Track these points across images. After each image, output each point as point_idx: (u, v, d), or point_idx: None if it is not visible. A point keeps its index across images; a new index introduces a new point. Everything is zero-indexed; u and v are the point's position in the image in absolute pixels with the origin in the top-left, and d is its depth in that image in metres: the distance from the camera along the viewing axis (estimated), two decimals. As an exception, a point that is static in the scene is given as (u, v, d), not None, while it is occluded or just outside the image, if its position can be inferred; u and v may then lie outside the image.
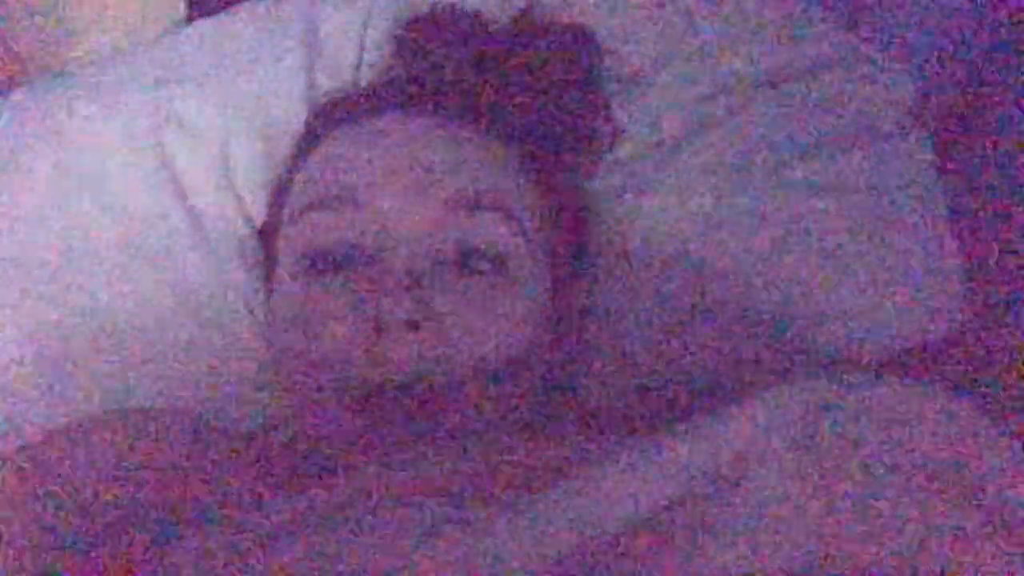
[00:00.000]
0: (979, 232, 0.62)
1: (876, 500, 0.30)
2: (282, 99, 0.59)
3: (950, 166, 0.62)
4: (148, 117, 0.58)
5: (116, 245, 0.57)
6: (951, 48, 0.67)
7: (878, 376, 0.35)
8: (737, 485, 0.31)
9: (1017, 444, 0.33)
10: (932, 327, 0.56)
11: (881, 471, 0.31)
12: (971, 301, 0.58)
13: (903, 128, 0.59)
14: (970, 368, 0.57)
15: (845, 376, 0.35)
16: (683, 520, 0.30)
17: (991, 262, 0.62)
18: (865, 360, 0.55)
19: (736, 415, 0.33)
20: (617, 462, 0.32)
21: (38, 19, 0.62)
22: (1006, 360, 0.56)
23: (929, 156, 0.60)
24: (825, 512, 0.30)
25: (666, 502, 0.31)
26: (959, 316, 0.57)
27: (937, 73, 0.66)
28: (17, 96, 0.61)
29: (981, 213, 0.63)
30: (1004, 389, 0.53)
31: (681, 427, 0.34)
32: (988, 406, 0.51)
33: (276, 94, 0.59)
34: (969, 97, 0.66)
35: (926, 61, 0.67)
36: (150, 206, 0.57)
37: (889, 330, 0.55)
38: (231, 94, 0.59)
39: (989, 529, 0.30)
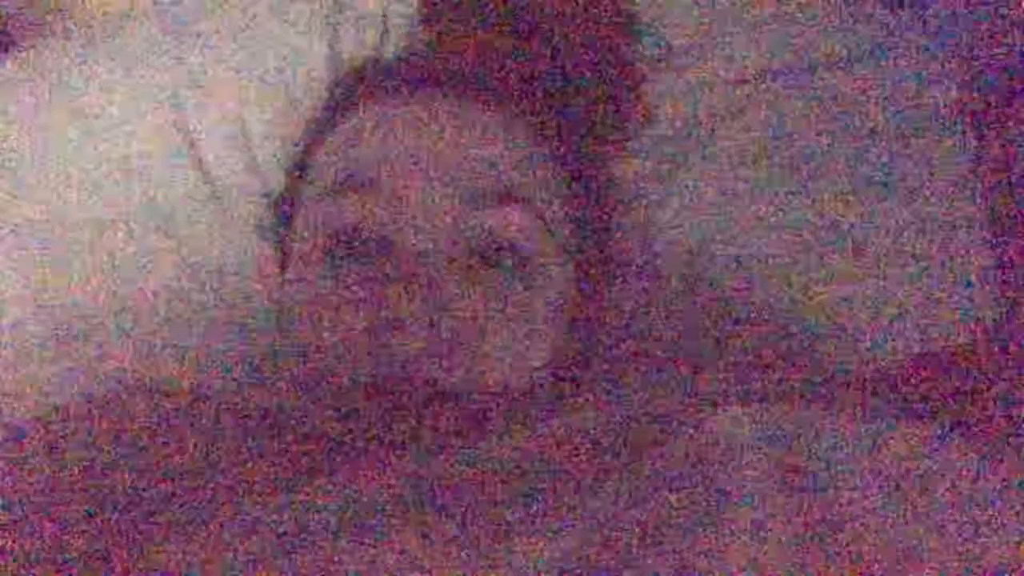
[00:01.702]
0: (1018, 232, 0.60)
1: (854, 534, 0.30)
2: (304, 66, 0.57)
3: (989, 163, 0.60)
4: (165, 76, 0.57)
5: (130, 209, 0.56)
6: (994, 43, 0.64)
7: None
8: (713, 509, 0.31)
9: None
10: (959, 329, 0.55)
11: (863, 511, 0.31)
12: (1004, 303, 0.57)
13: (942, 123, 0.58)
14: (994, 372, 0.56)
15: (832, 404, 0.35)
16: (664, 541, 0.30)
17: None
18: (884, 363, 0.54)
19: (714, 436, 0.33)
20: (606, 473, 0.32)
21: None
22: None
23: (967, 153, 0.58)
24: (803, 541, 0.30)
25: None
26: (988, 318, 0.56)
27: (980, 68, 0.64)
28: (33, 53, 0.59)
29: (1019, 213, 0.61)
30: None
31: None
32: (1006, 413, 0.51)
33: (297, 59, 0.58)
34: (1011, 93, 0.64)
35: (970, 55, 0.64)
36: (164, 167, 0.56)
37: (912, 332, 0.54)
38: (251, 56, 0.58)
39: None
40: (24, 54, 0.59)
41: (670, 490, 0.32)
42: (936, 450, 0.34)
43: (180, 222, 0.56)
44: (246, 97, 0.57)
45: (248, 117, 0.57)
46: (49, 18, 0.61)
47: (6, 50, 0.60)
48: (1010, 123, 0.62)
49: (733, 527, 0.30)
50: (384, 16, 0.58)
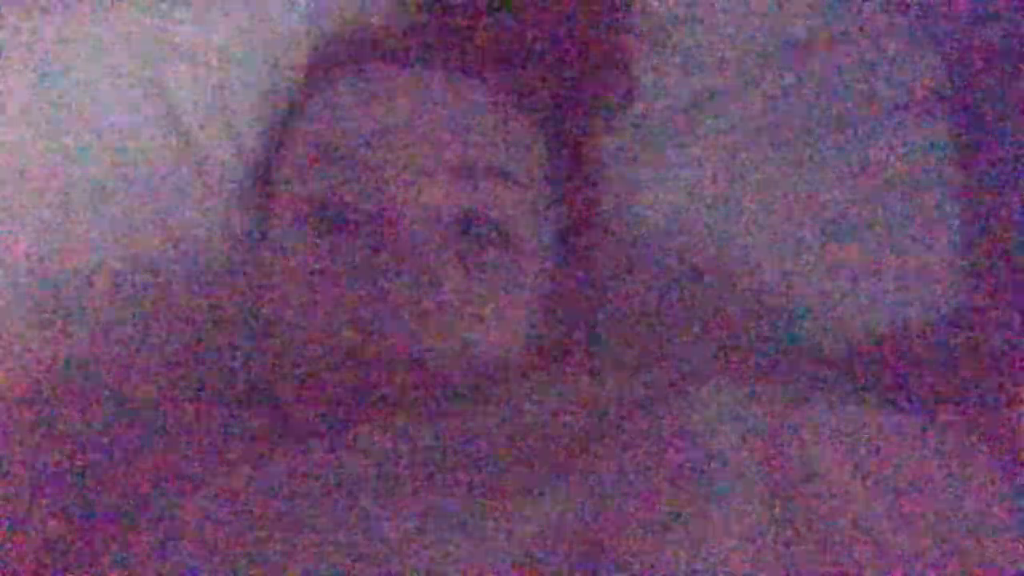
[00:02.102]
0: (999, 214, 0.61)
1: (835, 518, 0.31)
2: (285, 33, 0.56)
3: (965, 148, 0.61)
4: (145, 42, 0.56)
5: (108, 176, 0.54)
6: (974, 28, 0.64)
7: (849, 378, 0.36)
8: (692, 488, 0.31)
9: (987, 463, 0.34)
10: (931, 310, 0.56)
11: (840, 493, 0.31)
12: (977, 284, 0.58)
13: (919, 107, 0.58)
14: (966, 351, 0.57)
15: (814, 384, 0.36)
16: (644, 521, 0.31)
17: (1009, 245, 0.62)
18: (858, 341, 0.55)
19: (694, 416, 0.34)
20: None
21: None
22: (1003, 344, 0.56)
23: (942, 138, 0.58)
24: (783, 526, 0.30)
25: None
26: (959, 299, 0.57)
27: (959, 53, 0.64)
28: (12, 21, 0.57)
29: (1002, 197, 0.62)
30: (998, 374, 0.53)
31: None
32: (979, 392, 0.52)
33: (279, 27, 0.56)
34: (995, 76, 0.64)
35: (954, 37, 0.65)
36: (144, 134, 0.55)
37: (885, 311, 0.55)
38: (233, 24, 0.56)
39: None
40: (5, 28, 0.57)
41: (650, 478, 0.32)
42: (916, 438, 0.35)
43: (158, 189, 0.55)
44: (227, 64, 0.56)
45: (229, 84, 0.56)
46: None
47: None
48: (986, 108, 0.62)
49: (715, 519, 0.30)
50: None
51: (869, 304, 0.55)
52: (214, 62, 0.56)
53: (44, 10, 0.56)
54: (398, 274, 0.39)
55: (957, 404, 0.44)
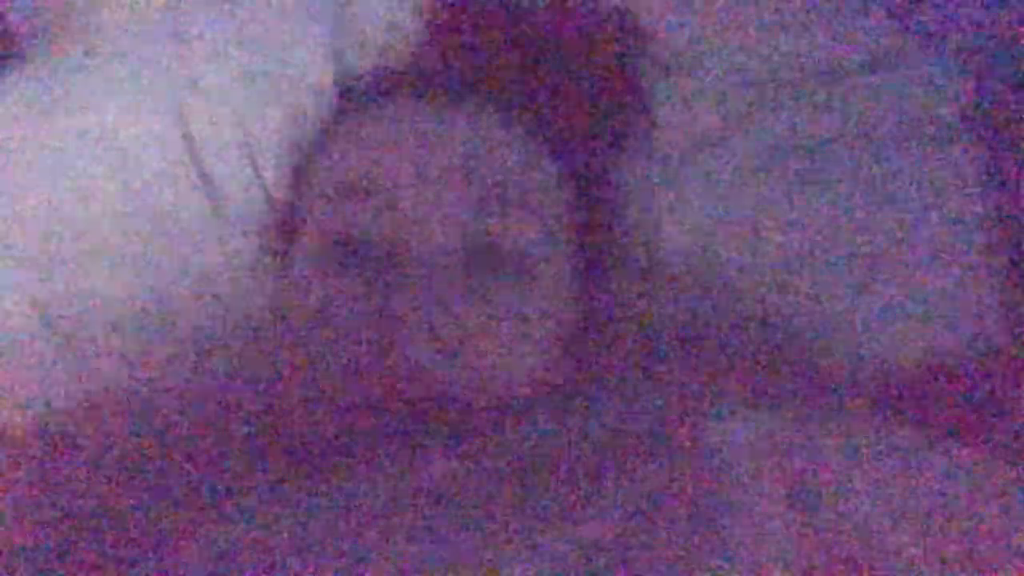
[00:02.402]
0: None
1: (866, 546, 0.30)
2: (308, 72, 0.57)
3: (997, 175, 0.60)
4: (166, 80, 0.57)
5: (129, 211, 0.56)
6: (1008, 49, 0.64)
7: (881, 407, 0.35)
8: (716, 518, 0.30)
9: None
10: (965, 343, 0.54)
11: (870, 520, 0.31)
12: (1010, 314, 0.56)
13: (950, 134, 0.57)
14: (1000, 382, 0.55)
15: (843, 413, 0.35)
16: (666, 552, 0.30)
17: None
18: (890, 371, 0.53)
19: (717, 445, 0.33)
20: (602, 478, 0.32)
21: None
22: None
23: (974, 165, 0.58)
24: (814, 555, 0.29)
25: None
26: (994, 332, 0.55)
27: (992, 75, 0.63)
28: (39, 60, 0.59)
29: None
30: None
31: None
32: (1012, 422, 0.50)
33: (300, 65, 0.58)
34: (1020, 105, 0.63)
35: (982, 62, 0.64)
36: (164, 172, 0.56)
37: (917, 344, 0.54)
38: (253, 61, 0.58)
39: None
40: (30, 61, 0.59)
41: (672, 499, 0.31)
42: (942, 461, 0.34)
43: (181, 228, 0.56)
44: (248, 105, 0.57)
45: (251, 125, 0.57)
46: (55, 27, 0.61)
47: (13, 57, 0.61)
48: (1019, 135, 0.61)
49: (737, 539, 0.29)
50: (389, 29, 0.59)
51: (897, 334, 0.54)
52: (235, 101, 0.57)
53: (87, 58, 0.58)
54: (414, 306, 0.39)
55: (985, 433, 0.43)
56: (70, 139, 0.56)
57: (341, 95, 0.54)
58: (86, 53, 0.59)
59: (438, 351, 0.39)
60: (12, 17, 0.62)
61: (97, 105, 0.57)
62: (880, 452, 0.34)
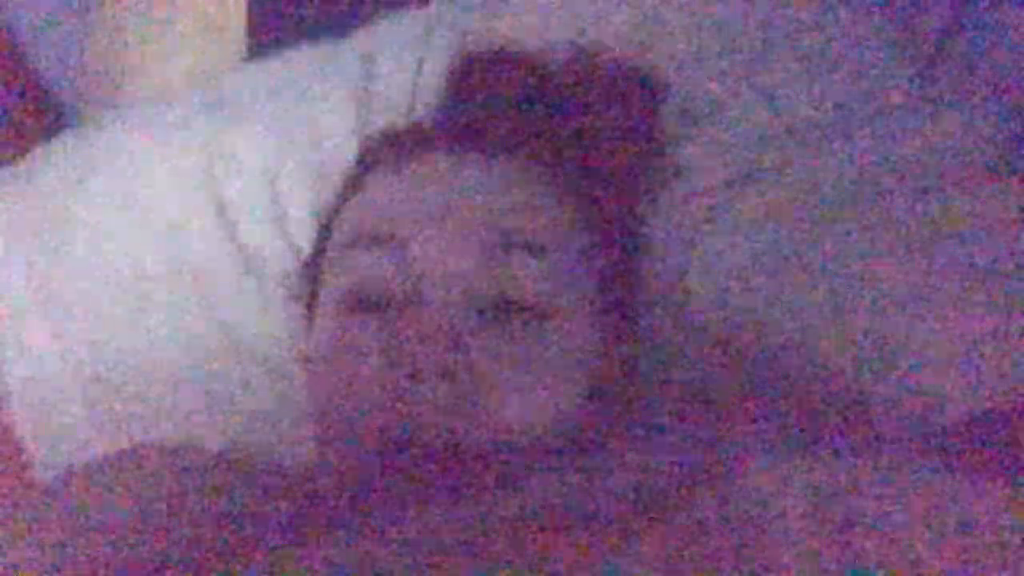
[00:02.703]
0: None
1: None
2: (334, 136, 0.59)
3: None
4: (200, 152, 0.59)
5: (164, 276, 0.57)
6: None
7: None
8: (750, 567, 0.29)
9: None
10: (1009, 391, 0.52)
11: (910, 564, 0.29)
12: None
13: (980, 177, 0.56)
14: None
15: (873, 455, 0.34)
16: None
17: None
18: (937, 421, 0.51)
19: (749, 489, 0.32)
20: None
21: (104, 56, 0.64)
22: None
23: (1007, 208, 0.56)
24: None
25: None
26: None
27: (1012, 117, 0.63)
28: (76, 129, 0.62)
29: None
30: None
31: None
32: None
33: (328, 131, 0.60)
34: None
35: (1000, 106, 0.63)
36: (199, 239, 0.58)
37: (968, 391, 0.51)
38: (283, 130, 0.60)
39: None
40: (71, 131, 0.62)
41: (705, 542, 0.30)
42: (989, 503, 0.32)
43: (216, 287, 0.57)
44: (278, 166, 0.59)
45: (280, 185, 0.59)
46: (97, 99, 0.64)
47: (60, 127, 0.64)
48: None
49: None
50: (412, 93, 0.60)
51: (932, 385, 0.52)
52: (265, 164, 0.59)
53: (125, 132, 0.60)
54: (434, 352, 0.39)
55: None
56: (112, 205, 0.58)
57: (363, 150, 0.56)
58: (124, 125, 0.61)
59: (455, 398, 0.39)
60: (58, 90, 0.66)
61: (137, 173, 0.59)
62: (920, 491, 0.32)
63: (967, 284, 0.52)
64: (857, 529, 0.30)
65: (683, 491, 0.34)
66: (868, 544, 0.30)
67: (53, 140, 0.62)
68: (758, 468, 0.33)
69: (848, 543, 0.30)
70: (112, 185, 0.59)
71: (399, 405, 0.40)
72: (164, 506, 0.42)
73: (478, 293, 0.42)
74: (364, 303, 0.43)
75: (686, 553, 0.30)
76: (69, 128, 0.64)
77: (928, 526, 0.31)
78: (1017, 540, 0.31)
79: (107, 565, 0.39)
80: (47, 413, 0.55)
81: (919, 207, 0.54)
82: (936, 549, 0.30)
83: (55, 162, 0.60)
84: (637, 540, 0.32)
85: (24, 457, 0.55)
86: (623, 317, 0.50)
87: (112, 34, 0.65)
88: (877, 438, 0.49)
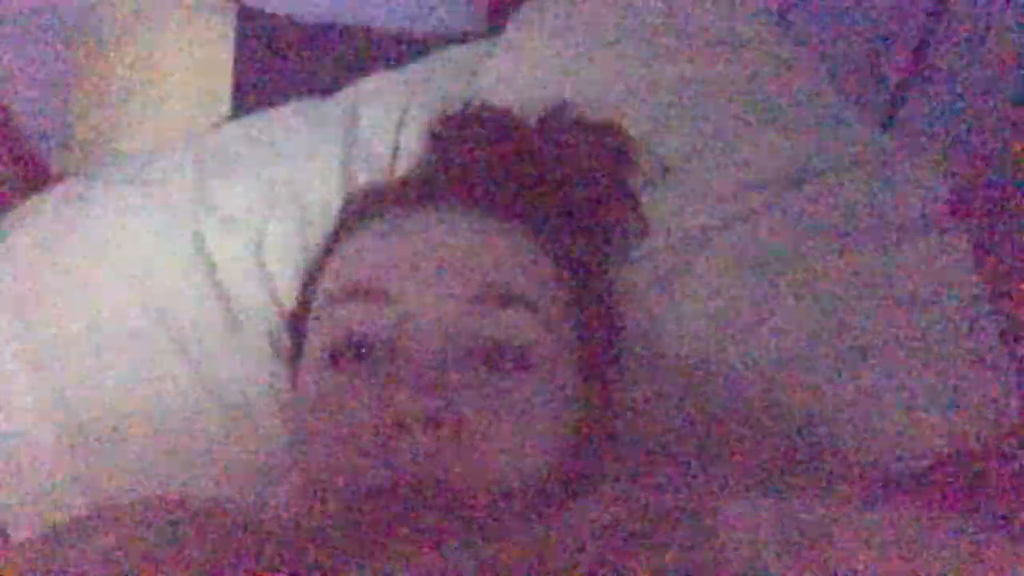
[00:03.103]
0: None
1: None
2: (319, 191, 0.60)
3: (995, 260, 0.61)
4: (187, 206, 0.60)
5: (148, 329, 0.57)
6: (990, 147, 0.66)
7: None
8: None
9: None
10: (978, 432, 0.54)
11: None
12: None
13: (938, 227, 0.58)
14: (1019, 475, 0.54)
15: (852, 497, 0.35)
16: None
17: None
18: (903, 467, 0.53)
19: (719, 529, 0.33)
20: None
21: (88, 114, 0.65)
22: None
23: (968, 251, 0.59)
24: None
25: None
26: (1009, 419, 0.55)
27: (975, 172, 0.66)
28: (62, 188, 0.63)
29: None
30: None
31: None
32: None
33: (313, 186, 0.61)
34: (1008, 195, 0.65)
35: (966, 155, 0.67)
36: (184, 292, 0.58)
37: (929, 436, 0.53)
38: (269, 184, 0.61)
39: None
40: (58, 185, 0.63)
41: None
42: (975, 544, 0.33)
43: (199, 342, 0.58)
44: (262, 223, 0.60)
45: (264, 241, 0.60)
46: (82, 155, 0.65)
47: (44, 183, 0.65)
48: (1009, 221, 0.63)
49: None
50: (393, 150, 0.62)
51: (903, 426, 0.53)
52: (250, 221, 0.59)
53: (112, 186, 0.61)
54: (419, 401, 0.40)
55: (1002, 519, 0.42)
56: (97, 257, 0.58)
57: (346, 206, 0.57)
58: (111, 179, 0.62)
59: (441, 446, 0.40)
60: (42, 147, 0.66)
61: (123, 229, 0.59)
62: (889, 531, 0.33)
63: (924, 334, 0.54)
64: (829, 569, 0.31)
65: (659, 533, 0.35)
66: None
67: (40, 195, 0.63)
68: (731, 509, 0.34)
69: None
70: (97, 238, 0.59)
71: (385, 453, 0.40)
72: (146, 561, 0.42)
73: (463, 343, 0.43)
74: (349, 354, 0.44)
75: None
76: (54, 184, 0.65)
77: (898, 566, 0.32)
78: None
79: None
80: (25, 469, 0.54)
81: (878, 259, 0.56)
82: None
83: (41, 219, 0.61)
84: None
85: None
86: (601, 366, 0.51)
87: (97, 93, 0.66)
88: (845, 481, 0.50)
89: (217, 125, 0.68)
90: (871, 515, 0.34)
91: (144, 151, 0.66)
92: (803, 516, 0.34)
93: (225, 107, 0.69)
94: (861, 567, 0.31)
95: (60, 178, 0.65)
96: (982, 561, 0.32)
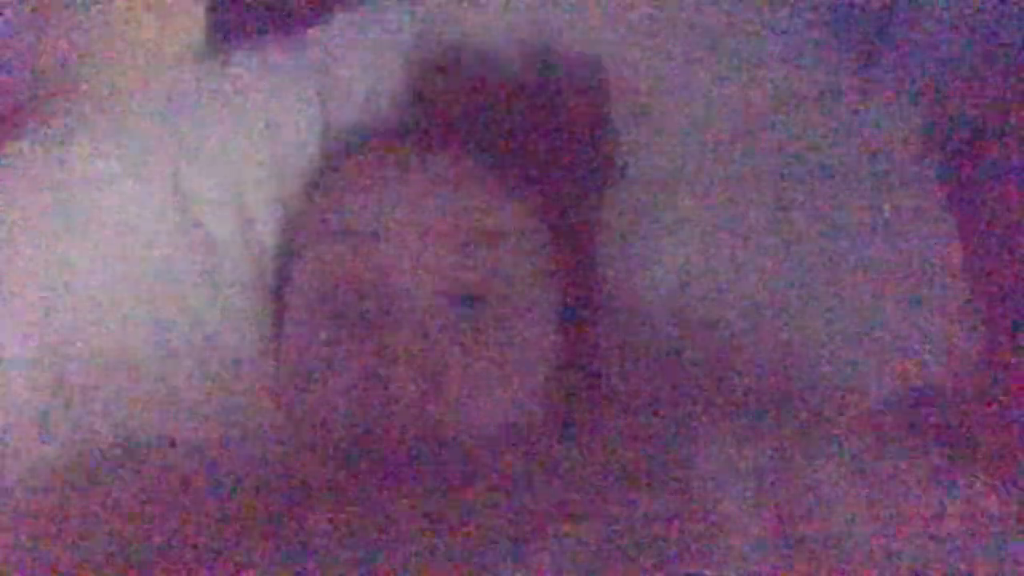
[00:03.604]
0: (993, 268, 0.61)
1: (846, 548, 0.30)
2: (296, 133, 0.59)
3: (962, 198, 0.62)
4: (162, 148, 0.59)
5: (129, 271, 0.57)
6: (965, 79, 0.66)
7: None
8: (706, 518, 0.31)
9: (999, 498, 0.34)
10: (945, 368, 0.56)
11: (855, 543, 0.31)
12: (986, 338, 0.58)
13: (912, 160, 0.59)
14: (983, 409, 0.56)
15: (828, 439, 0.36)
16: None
17: (1006, 297, 0.62)
18: (872, 403, 0.54)
19: (699, 471, 0.34)
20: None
21: (59, 51, 0.63)
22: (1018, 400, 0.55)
23: (940, 188, 0.59)
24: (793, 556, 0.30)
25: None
26: (974, 356, 0.56)
27: (949, 104, 0.66)
28: (34, 128, 0.61)
29: (995, 248, 0.63)
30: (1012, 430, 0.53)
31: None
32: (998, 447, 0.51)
33: (289, 125, 0.60)
34: (981, 128, 0.65)
35: (938, 92, 0.67)
36: (162, 234, 0.58)
37: (898, 371, 0.55)
38: (244, 123, 0.60)
39: None
40: (29, 131, 0.62)
41: (659, 523, 0.32)
42: (937, 481, 0.35)
43: (179, 286, 0.57)
44: (239, 163, 0.59)
45: (242, 182, 0.59)
46: (52, 98, 0.64)
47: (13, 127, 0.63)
48: (981, 161, 0.63)
49: (727, 563, 0.30)
50: (371, 89, 0.61)
51: (873, 365, 0.55)
52: (226, 161, 0.59)
53: (81, 129, 0.60)
54: (404, 347, 0.41)
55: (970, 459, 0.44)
56: (73, 204, 0.57)
57: (327, 147, 0.57)
58: (84, 122, 0.61)
59: (426, 387, 0.41)
60: (12, 87, 0.65)
61: (97, 172, 0.58)
62: (859, 474, 0.35)
63: (895, 275, 0.55)
64: (801, 513, 0.33)
65: (634, 477, 0.36)
66: (811, 528, 0.32)
67: (10, 142, 0.62)
68: (705, 455, 0.36)
69: (793, 527, 0.32)
70: (72, 182, 0.58)
71: (371, 395, 0.41)
72: (136, 504, 0.43)
73: (448, 287, 0.44)
74: (336, 299, 0.45)
75: (636, 536, 0.32)
76: (25, 126, 0.63)
77: (868, 507, 0.33)
78: (953, 514, 0.33)
79: (76, 565, 0.40)
80: (8, 410, 0.55)
81: (854, 198, 0.57)
82: (876, 529, 0.32)
83: (11, 164, 0.59)
84: (592, 521, 0.33)
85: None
86: (580, 308, 0.52)
87: (68, 30, 0.64)
88: (819, 422, 0.52)
89: (190, 61, 0.66)
90: (839, 461, 0.36)
91: (115, 90, 0.64)
92: (774, 462, 0.35)
93: (198, 43, 0.67)
94: (830, 511, 0.33)
95: (31, 122, 0.63)
96: (952, 489, 0.34)
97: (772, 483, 0.34)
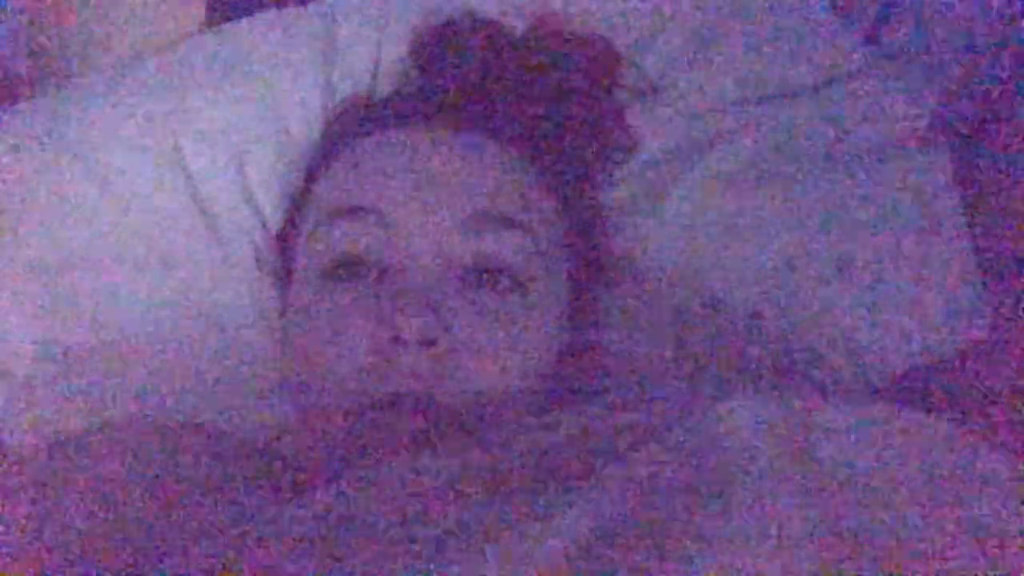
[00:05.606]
0: (999, 247, 0.61)
1: (872, 519, 0.30)
2: (299, 106, 0.59)
3: (970, 179, 0.62)
4: (164, 121, 0.58)
5: (131, 248, 0.57)
6: (972, 61, 0.66)
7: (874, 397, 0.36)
8: (720, 496, 0.31)
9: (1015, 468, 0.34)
10: (951, 342, 0.56)
11: (874, 492, 0.31)
12: (992, 315, 0.58)
13: (921, 141, 0.59)
14: (989, 384, 0.56)
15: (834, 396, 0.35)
16: (672, 530, 0.30)
17: (1011, 276, 0.62)
18: (879, 378, 0.54)
19: (717, 424, 0.34)
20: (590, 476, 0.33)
21: (58, 25, 0.62)
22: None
23: (946, 169, 0.59)
24: (819, 528, 0.30)
25: (635, 512, 0.31)
26: (980, 331, 0.57)
27: (957, 86, 0.65)
28: (35, 102, 0.61)
29: (1001, 227, 0.62)
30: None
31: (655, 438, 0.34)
32: (1005, 422, 0.51)
33: (293, 100, 0.59)
34: (989, 110, 0.65)
35: (947, 74, 0.66)
36: (165, 209, 0.57)
37: (905, 346, 0.55)
38: (247, 99, 0.59)
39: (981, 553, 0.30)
40: (31, 101, 0.61)
41: (675, 479, 0.32)
42: (949, 438, 0.35)
43: (184, 263, 0.57)
44: (243, 139, 0.58)
45: (246, 158, 0.59)
46: (55, 71, 0.63)
47: (17, 100, 0.62)
48: (986, 145, 0.63)
49: (743, 517, 0.30)
50: (375, 62, 0.60)
51: (881, 340, 0.55)
52: (230, 136, 0.58)
53: (86, 103, 0.59)
54: (413, 322, 0.40)
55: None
56: (77, 180, 0.57)
57: (333, 122, 0.56)
58: (87, 92, 0.60)
59: (434, 361, 0.41)
60: (12, 63, 0.64)
61: (101, 147, 0.58)
62: (876, 426, 0.34)
63: (901, 249, 0.55)
64: (821, 464, 0.32)
65: (655, 430, 0.36)
66: (832, 479, 0.32)
67: (10, 108, 0.61)
68: (727, 407, 0.35)
69: (813, 477, 0.32)
70: (76, 162, 0.58)
71: (379, 368, 0.41)
72: (137, 477, 0.43)
73: (456, 263, 0.44)
74: (344, 273, 0.45)
75: (659, 485, 0.32)
76: (26, 101, 0.62)
77: (885, 458, 0.33)
78: (966, 471, 0.33)
79: (80, 534, 0.40)
80: (20, 389, 0.54)
81: (860, 175, 0.57)
82: (892, 480, 0.32)
83: (15, 139, 0.58)
84: (609, 472, 0.33)
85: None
86: (589, 283, 0.52)
87: (68, 3, 0.63)
88: (825, 391, 0.52)
89: (191, 34, 0.65)
90: (857, 415, 0.35)
91: (116, 64, 0.64)
92: (794, 415, 0.35)
93: (199, 16, 0.66)
94: (849, 463, 0.33)
95: (31, 83, 0.63)
96: (962, 452, 0.34)
97: (792, 435, 0.33)
